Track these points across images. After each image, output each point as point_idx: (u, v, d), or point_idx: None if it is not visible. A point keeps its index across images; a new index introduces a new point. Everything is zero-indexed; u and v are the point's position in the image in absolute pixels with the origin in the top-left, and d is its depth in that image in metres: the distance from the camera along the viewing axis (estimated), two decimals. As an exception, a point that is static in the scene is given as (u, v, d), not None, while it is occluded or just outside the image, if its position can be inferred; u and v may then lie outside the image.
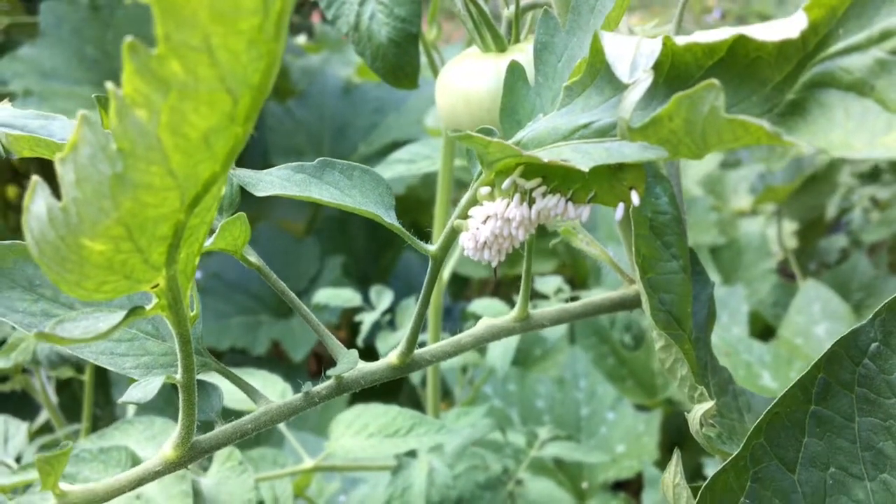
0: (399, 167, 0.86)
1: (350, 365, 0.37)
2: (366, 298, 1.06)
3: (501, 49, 0.51)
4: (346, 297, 1.06)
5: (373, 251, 1.88)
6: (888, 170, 2.01)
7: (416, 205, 1.76)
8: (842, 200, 2.10)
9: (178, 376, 0.32)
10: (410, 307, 1.03)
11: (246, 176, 0.35)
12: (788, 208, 2.14)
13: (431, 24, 0.71)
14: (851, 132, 0.23)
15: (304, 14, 2.90)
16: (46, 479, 0.31)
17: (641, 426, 1.46)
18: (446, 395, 1.35)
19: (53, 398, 1.12)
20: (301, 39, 2.75)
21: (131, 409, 1.04)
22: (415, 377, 1.10)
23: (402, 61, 0.58)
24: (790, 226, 2.21)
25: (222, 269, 1.66)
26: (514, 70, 0.38)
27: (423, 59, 0.77)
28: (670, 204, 0.45)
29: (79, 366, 1.07)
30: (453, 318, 1.70)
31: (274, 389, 0.80)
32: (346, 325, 1.90)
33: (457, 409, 0.98)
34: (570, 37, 0.39)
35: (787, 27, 0.25)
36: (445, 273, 0.87)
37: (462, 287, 1.94)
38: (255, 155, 1.77)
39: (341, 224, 1.84)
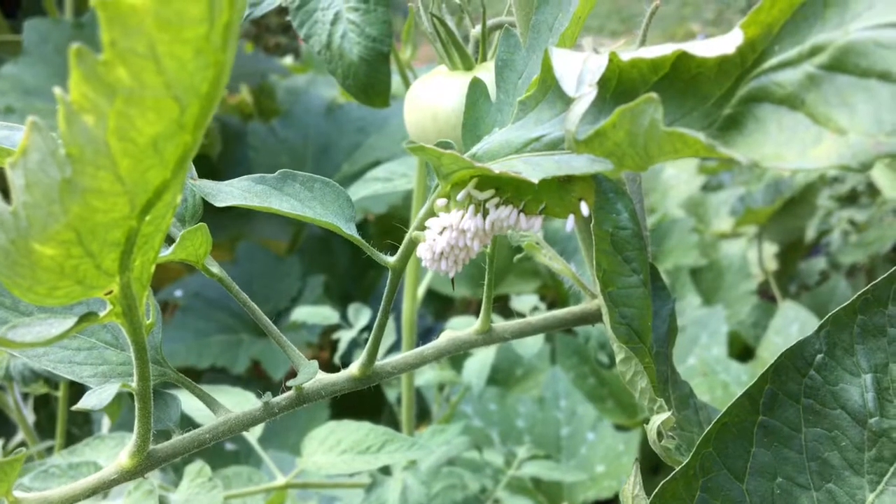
0: (375, 185, 0.87)
1: (309, 375, 0.37)
2: (344, 317, 1.06)
3: (469, 67, 0.52)
4: (323, 314, 1.07)
5: (355, 270, 1.88)
6: (866, 192, 2.04)
7: (400, 223, 1.77)
8: (821, 223, 2.12)
9: (134, 384, 0.32)
10: (389, 325, 1.04)
11: (206, 187, 0.35)
12: (769, 231, 2.16)
13: (406, 44, 0.72)
14: (783, 144, 0.24)
15: (292, 35, 2.92)
16: (-1, 486, 0.31)
17: (621, 446, 1.46)
18: (426, 416, 1.34)
19: (30, 416, 1.11)
20: (288, 60, 2.77)
21: (105, 427, 1.03)
22: (391, 396, 1.10)
23: (372, 79, 0.59)
24: (771, 248, 2.23)
25: (203, 288, 1.66)
26: (476, 87, 0.39)
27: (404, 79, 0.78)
28: (631, 220, 0.45)
29: (56, 383, 1.06)
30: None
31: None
32: (329, 344, 1.90)
33: (432, 426, 0.98)
34: (530, 54, 0.40)
35: (724, 44, 0.26)
36: (420, 290, 0.87)
37: (445, 307, 1.95)
38: (238, 173, 1.77)
39: (324, 243, 1.85)
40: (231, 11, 0.22)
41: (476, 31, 0.53)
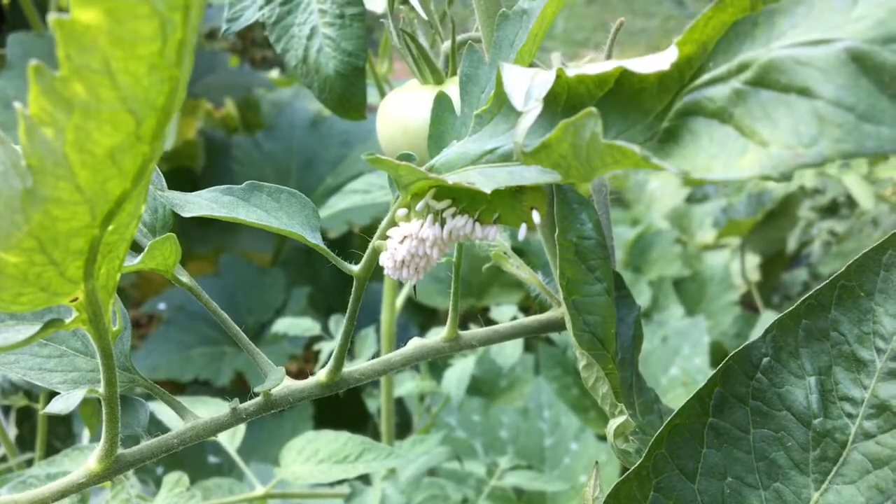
0: (355, 197, 0.88)
1: (276, 381, 0.38)
2: (326, 328, 1.07)
3: (439, 81, 0.53)
4: (305, 326, 1.07)
5: (339, 282, 1.88)
6: (846, 203, 2.06)
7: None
8: (802, 234, 2.15)
9: (101, 390, 0.33)
10: (370, 336, 1.05)
11: (174, 197, 0.36)
12: (751, 242, 2.18)
13: (383, 58, 0.73)
14: (713, 156, 0.25)
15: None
16: (-33, 490, 0.31)
17: (604, 456, 1.47)
18: (409, 427, 1.35)
19: (11, 429, 1.11)
20: (274, 74, 2.78)
21: (86, 438, 1.03)
22: (371, 406, 1.10)
23: (348, 93, 0.60)
24: (753, 259, 2.25)
25: (186, 301, 1.66)
26: (441, 101, 0.41)
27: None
28: (595, 230, 0.46)
29: (36, 395, 1.06)
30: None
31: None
32: (314, 357, 1.90)
33: (412, 436, 0.98)
34: (492, 69, 0.41)
35: (660, 61, 0.27)
36: (399, 300, 0.88)
37: (429, 318, 1.96)
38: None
39: (308, 255, 1.85)
40: (184, 29, 0.23)
41: (446, 46, 0.54)
